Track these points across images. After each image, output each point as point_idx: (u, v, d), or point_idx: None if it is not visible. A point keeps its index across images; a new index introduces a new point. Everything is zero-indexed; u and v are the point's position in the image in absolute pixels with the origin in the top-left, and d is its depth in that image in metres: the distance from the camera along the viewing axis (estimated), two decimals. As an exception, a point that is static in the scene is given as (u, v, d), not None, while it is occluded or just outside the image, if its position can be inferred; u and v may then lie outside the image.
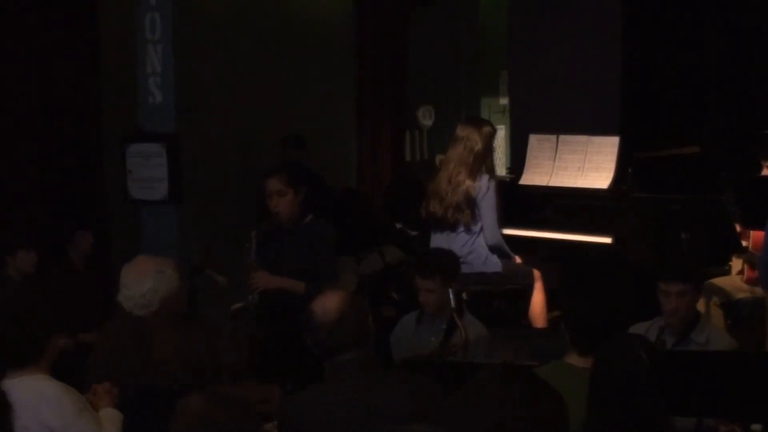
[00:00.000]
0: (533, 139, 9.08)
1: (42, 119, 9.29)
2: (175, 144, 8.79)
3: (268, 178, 7.21)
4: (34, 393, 4.80)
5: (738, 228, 7.73)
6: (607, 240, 8.38)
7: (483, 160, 8.09)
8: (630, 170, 8.61)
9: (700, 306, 7.05)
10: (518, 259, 8.34)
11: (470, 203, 7.99)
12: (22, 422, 3.90)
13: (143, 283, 5.63)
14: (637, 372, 4.07)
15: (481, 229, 8.08)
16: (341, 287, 5.47)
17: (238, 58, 10.29)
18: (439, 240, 8.13)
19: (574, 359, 4.72)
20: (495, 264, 8.15)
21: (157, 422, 3.79)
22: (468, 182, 8.00)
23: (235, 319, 6.88)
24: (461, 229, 8.06)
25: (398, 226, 10.78)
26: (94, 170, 9.64)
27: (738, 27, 10.77)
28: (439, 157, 10.61)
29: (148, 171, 8.83)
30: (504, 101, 13.09)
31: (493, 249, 8.16)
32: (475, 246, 8.08)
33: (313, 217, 7.33)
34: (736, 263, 8.25)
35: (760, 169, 7.93)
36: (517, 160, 9.49)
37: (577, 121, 9.66)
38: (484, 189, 8.01)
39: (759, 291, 8.03)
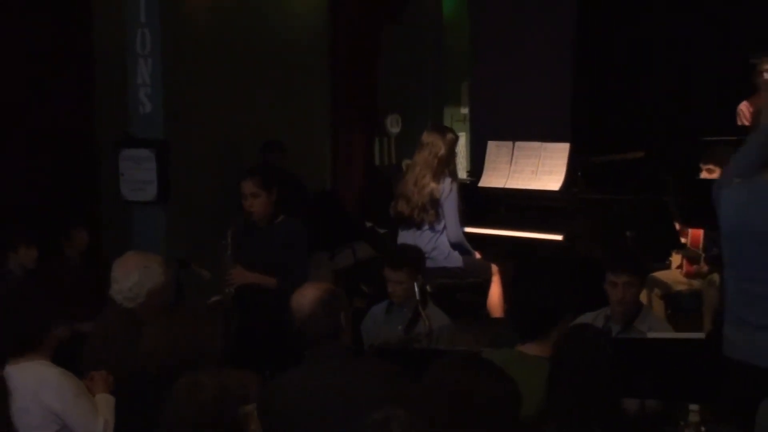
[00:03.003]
0: (491, 145, 9.07)
1: (42, 127, 9.26)
2: (163, 149, 8.78)
3: (243, 181, 7.20)
4: (36, 377, 4.80)
5: (678, 226, 7.76)
6: (559, 237, 8.38)
7: (446, 164, 8.09)
8: (580, 173, 8.62)
9: (643, 297, 7.07)
10: (478, 255, 8.34)
11: (434, 204, 7.99)
12: (23, 404, 3.88)
13: (130, 277, 5.61)
14: (598, 360, 4.07)
15: (445, 227, 8.08)
16: (318, 281, 5.43)
17: (222, 71, 10.27)
18: (405, 237, 8.13)
19: (524, 347, 4.71)
20: (456, 259, 8.15)
21: (145, 406, 3.77)
22: (432, 184, 8.00)
23: (213, 311, 6.86)
24: (426, 227, 8.05)
25: (368, 224, 10.77)
26: (90, 173, 9.62)
27: (679, 43, 10.82)
28: (405, 162, 10.59)
29: (138, 174, 8.82)
30: (465, 110, 13.09)
31: (456, 246, 8.16)
32: (439, 243, 8.08)
33: (285, 217, 7.30)
34: (676, 258, 8.28)
35: (699, 172, 7.94)
36: (477, 164, 9.49)
37: (532, 128, 9.68)
38: (447, 191, 8.01)
39: (696, 284, 8.07)
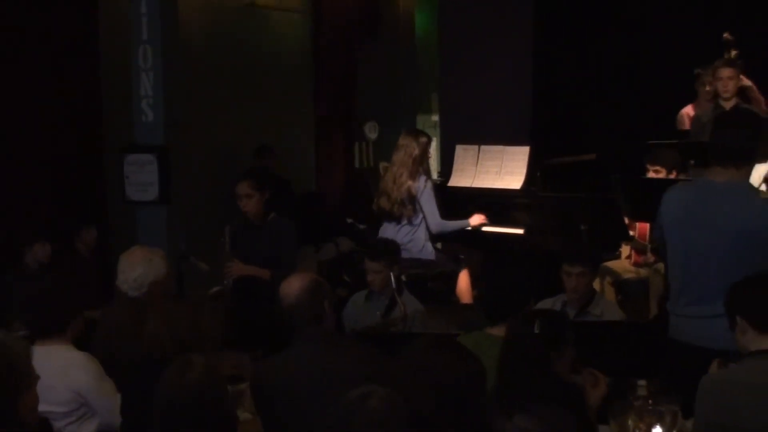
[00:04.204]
0: (459, 149, 9.07)
1: (55, 135, 9.24)
2: (164, 154, 8.75)
3: (238, 183, 7.21)
4: (63, 359, 4.80)
5: (626, 221, 7.78)
6: (520, 231, 8.39)
7: (420, 164, 8.12)
8: (538, 174, 8.62)
9: (596, 284, 7.09)
10: (474, 219, 8.35)
11: (412, 199, 8.02)
12: (50, 383, 3.86)
13: (135, 269, 5.59)
14: (534, 342, 4.08)
15: (421, 222, 8.10)
16: (305, 272, 5.43)
17: (217, 84, 10.25)
18: (387, 230, 8.15)
19: (492, 330, 4.72)
20: (430, 252, 8.17)
21: (150, 387, 3.75)
22: (409, 182, 8.02)
23: (213, 300, 6.87)
24: (405, 221, 8.08)
25: (349, 221, 10.77)
26: (98, 176, 9.59)
27: (627, 57, 10.85)
28: (382, 165, 10.58)
29: (142, 176, 8.79)
30: (435, 118, 13.09)
31: (439, 235, 8.21)
32: (415, 236, 8.10)
33: (275, 215, 7.33)
34: (625, 249, 8.29)
35: (645, 172, 7.96)
36: (446, 166, 9.49)
37: (495, 134, 9.67)
38: (422, 187, 8.05)
39: (643, 272, 8.09)
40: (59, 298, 4.99)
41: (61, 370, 4.67)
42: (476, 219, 8.40)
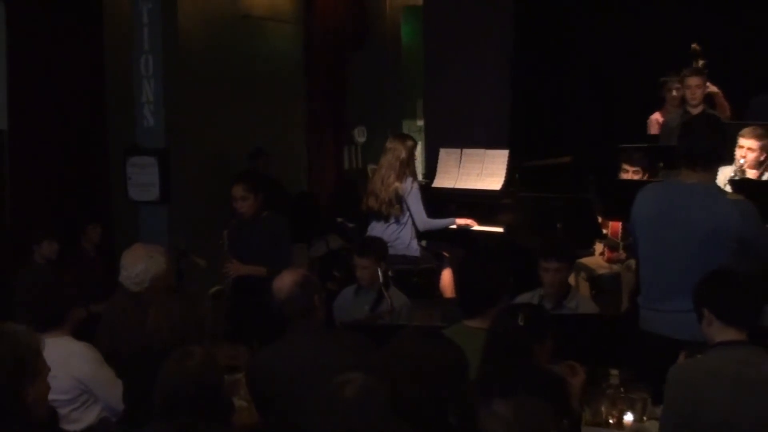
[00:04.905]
0: (443, 152, 9.06)
1: (63, 140, 9.25)
2: (164, 157, 8.77)
3: (234, 186, 7.21)
4: (64, 349, 4.78)
5: (600, 219, 7.78)
6: (500, 229, 8.38)
7: (407, 166, 8.09)
8: (517, 175, 8.62)
9: (571, 280, 7.09)
10: (458, 221, 8.36)
11: (399, 199, 8.00)
12: (53, 372, 3.85)
13: (137, 265, 5.59)
14: (518, 334, 4.09)
15: (407, 221, 8.09)
16: (297, 268, 5.42)
17: (215, 91, 10.23)
18: (375, 228, 8.12)
19: (470, 322, 4.73)
20: (415, 249, 8.16)
21: (151, 376, 3.75)
22: (396, 183, 8.00)
23: (215, 298, 6.87)
24: (392, 220, 8.06)
25: (339, 220, 10.74)
26: (102, 177, 9.59)
27: (600, 65, 10.87)
28: (370, 167, 10.60)
29: (144, 178, 8.80)
30: (420, 123, 13.07)
31: (425, 233, 8.21)
32: (401, 234, 8.08)
33: (269, 213, 7.32)
34: (598, 246, 8.29)
35: (617, 173, 7.97)
36: (431, 168, 9.47)
37: (477, 138, 9.68)
38: (409, 188, 8.02)
39: (616, 268, 8.09)
40: (55, 292, 4.98)
41: (63, 360, 4.66)
42: (464, 221, 8.40)
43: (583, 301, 6.41)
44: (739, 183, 6.46)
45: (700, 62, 8.69)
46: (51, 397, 4.23)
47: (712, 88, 8.73)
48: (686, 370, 4.03)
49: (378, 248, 6.90)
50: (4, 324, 3.77)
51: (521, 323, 4.08)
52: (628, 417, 4.42)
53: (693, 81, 8.37)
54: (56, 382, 4.58)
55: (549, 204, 7.83)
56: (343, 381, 3.21)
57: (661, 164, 7.79)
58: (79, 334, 5.05)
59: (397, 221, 8.07)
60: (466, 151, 8.88)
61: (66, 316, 4.93)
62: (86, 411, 4.90)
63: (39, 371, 3.69)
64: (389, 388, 3.37)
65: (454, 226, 8.38)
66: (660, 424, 4.07)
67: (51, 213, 8.96)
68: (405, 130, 12.31)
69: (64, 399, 4.78)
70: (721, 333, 4.07)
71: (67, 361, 4.76)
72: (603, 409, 4.48)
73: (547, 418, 3.13)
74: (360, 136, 12.43)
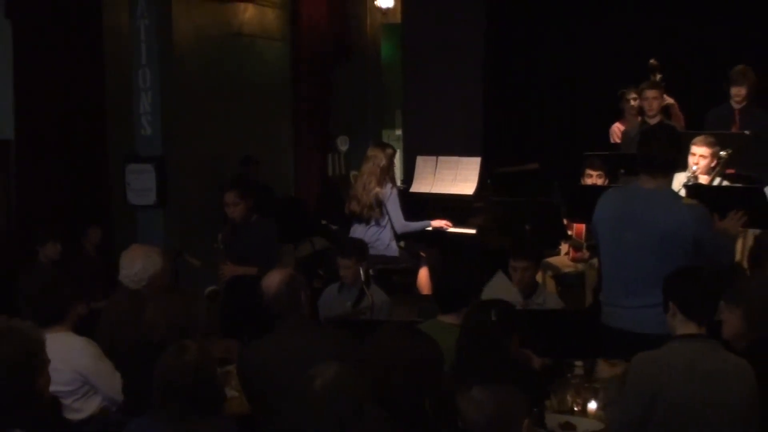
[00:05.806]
0: (419, 160, 9.07)
1: (65, 147, 9.21)
2: (161, 164, 8.73)
3: (225, 193, 7.20)
4: (64, 344, 4.75)
5: (565, 221, 7.80)
6: (473, 231, 8.40)
7: (387, 173, 8.09)
8: (489, 181, 8.64)
9: (539, 277, 7.10)
10: (434, 223, 8.35)
11: (379, 204, 8.00)
12: (54, 366, 3.84)
13: (135, 265, 5.57)
14: (491, 328, 4.10)
15: (387, 223, 8.09)
16: (284, 267, 5.41)
17: (208, 102, 10.22)
18: (357, 230, 8.12)
19: (445, 318, 4.74)
20: (394, 250, 8.16)
21: (148, 369, 3.74)
22: (377, 189, 8.00)
23: (210, 299, 6.85)
24: (373, 223, 8.06)
25: (324, 222, 10.73)
26: (103, 183, 9.54)
27: (565, 78, 10.92)
28: (353, 174, 10.58)
29: (141, 183, 8.77)
30: (399, 132, 13.11)
31: (403, 234, 8.20)
32: (381, 236, 8.07)
33: (258, 216, 7.31)
34: (564, 247, 8.31)
35: (581, 179, 8.00)
36: (409, 175, 9.48)
37: (451, 146, 9.68)
38: (388, 193, 8.02)
39: (580, 267, 8.12)
40: (57, 290, 4.95)
41: (64, 354, 4.63)
42: (439, 222, 8.40)
43: (549, 297, 6.42)
44: (693, 188, 6.49)
45: (658, 76, 8.73)
46: (54, 388, 4.21)
47: (668, 100, 8.77)
48: (646, 360, 4.04)
49: (359, 249, 6.89)
50: (13, 321, 3.78)
51: (494, 318, 4.10)
52: (592, 405, 4.42)
53: (650, 93, 8.41)
54: (59, 374, 4.56)
55: (518, 207, 7.85)
56: (313, 373, 3.23)
57: (622, 170, 7.82)
58: (80, 330, 5.03)
59: (378, 224, 8.07)
60: (441, 158, 8.89)
61: (67, 312, 4.91)
62: (87, 401, 4.87)
63: (45, 363, 3.73)
64: (368, 379, 3.37)
65: (430, 228, 8.38)
66: (621, 409, 4.07)
67: (54, 216, 8.91)
68: (385, 139, 12.32)
69: (67, 390, 4.76)
70: (682, 326, 4.09)
71: (69, 355, 4.74)
72: (568, 397, 4.48)
73: (521, 406, 3.16)
74: (343, 144, 12.43)
